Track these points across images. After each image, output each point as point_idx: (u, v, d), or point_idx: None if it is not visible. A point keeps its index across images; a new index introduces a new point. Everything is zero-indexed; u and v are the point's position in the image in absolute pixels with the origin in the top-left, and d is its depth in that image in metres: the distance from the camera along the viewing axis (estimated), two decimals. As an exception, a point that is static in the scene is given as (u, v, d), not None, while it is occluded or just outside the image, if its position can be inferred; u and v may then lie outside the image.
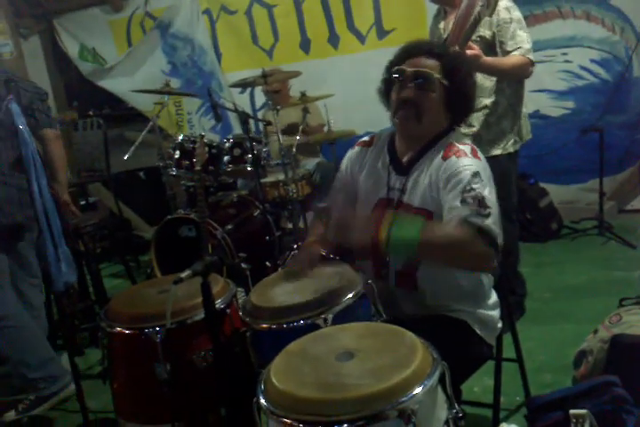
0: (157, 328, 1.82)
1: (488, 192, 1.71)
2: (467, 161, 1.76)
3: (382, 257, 1.88)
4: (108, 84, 5.92)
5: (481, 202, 1.67)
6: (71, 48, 5.98)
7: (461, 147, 1.81)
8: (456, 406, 1.40)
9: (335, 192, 2.08)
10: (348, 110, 4.58)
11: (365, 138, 2.07)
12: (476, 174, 1.72)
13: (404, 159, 1.91)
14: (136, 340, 1.88)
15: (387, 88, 1.94)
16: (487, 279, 1.96)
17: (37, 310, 3.01)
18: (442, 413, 1.37)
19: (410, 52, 1.88)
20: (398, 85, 1.86)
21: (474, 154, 1.80)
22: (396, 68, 1.87)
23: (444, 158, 1.80)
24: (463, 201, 1.68)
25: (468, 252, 1.64)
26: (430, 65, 1.83)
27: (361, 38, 4.95)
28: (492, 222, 1.66)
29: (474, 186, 1.69)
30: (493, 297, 1.99)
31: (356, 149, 2.06)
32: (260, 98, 5.31)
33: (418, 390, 1.27)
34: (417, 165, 1.87)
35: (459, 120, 1.92)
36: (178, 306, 1.83)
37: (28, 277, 2.95)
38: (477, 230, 1.63)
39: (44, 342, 2.90)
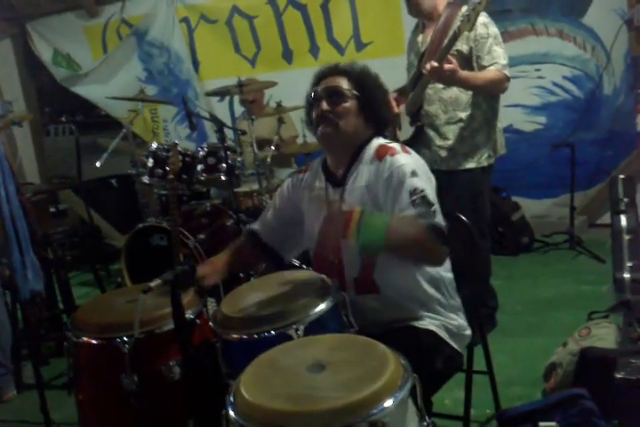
0: (125, 338, 1.79)
1: (429, 188, 1.81)
2: (402, 159, 1.86)
3: (337, 268, 1.92)
4: (82, 90, 5.87)
5: (427, 201, 1.78)
6: (44, 53, 5.92)
7: (391, 145, 1.93)
8: (427, 418, 1.40)
9: (266, 217, 2.17)
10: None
11: (301, 167, 2.20)
12: (413, 173, 1.81)
13: (339, 172, 1.99)
14: (103, 350, 1.85)
15: (309, 116, 2.06)
16: (447, 279, 1.97)
17: None
18: (412, 425, 1.36)
19: (320, 76, 2.04)
20: (315, 105, 1.99)
21: (403, 150, 1.91)
22: (311, 90, 2.02)
23: (379, 159, 1.89)
24: (413, 202, 1.78)
25: (424, 243, 1.73)
26: (339, 81, 1.98)
27: (340, 50, 5.00)
28: (440, 219, 1.78)
29: (416, 185, 1.79)
30: (457, 300, 2.01)
31: (293, 177, 2.16)
32: (240, 106, 5.30)
33: (389, 402, 1.26)
34: (350, 173, 1.96)
35: (380, 130, 2.03)
36: (147, 316, 1.80)
37: None
38: (430, 229, 1.73)
39: None
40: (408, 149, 1.93)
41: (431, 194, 1.80)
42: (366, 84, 1.98)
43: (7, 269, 2.87)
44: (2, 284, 2.99)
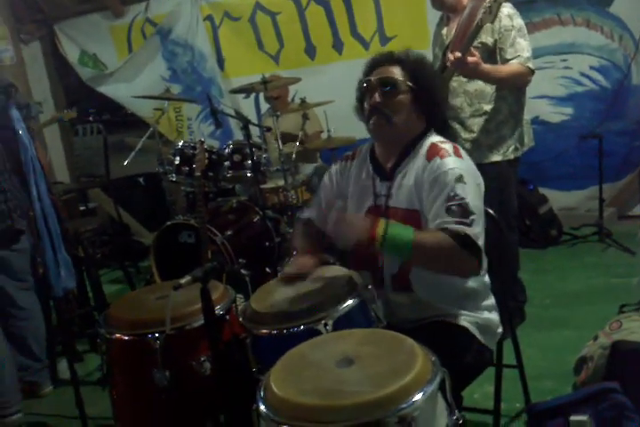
0: (156, 334, 1.81)
1: (472, 196, 1.74)
2: (451, 163, 1.79)
3: (377, 264, 1.90)
4: (108, 89, 5.94)
5: (464, 209, 1.71)
6: (71, 54, 6.01)
7: (444, 146, 1.85)
8: (456, 412, 1.40)
9: (317, 204, 2.12)
10: (350, 117, 4.59)
11: (348, 152, 2.12)
12: (459, 178, 1.75)
13: (387, 165, 1.95)
14: (135, 346, 1.88)
15: (361, 103, 1.99)
16: (483, 281, 1.96)
17: (27, 311, 3.00)
18: (442, 419, 1.36)
19: (374, 64, 1.96)
20: (367, 96, 1.93)
21: (456, 153, 1.83)
22: (364, 80, 1.95)
23: (428, 159, 1.83)
24: (448, 210, 1.72)
25: (452, 257, 1.69)
26: (394, 71, 1.90)
27: (365, 44, 4.98)
28: (475, 230, 1.70)
29: (457, 192, 1.73)
30: (491, 300, 1.99)
31: (339, 164, 2.11)
32: (265, 103, 5.33)
33: (418, 396, 1.27)
34: (400, 169, 1.91)
35: (434, 123, 1.96)
36: (177, 312, 1.82)
37: (13, 280, 2.93)
38: (461, 239, 1.67)
39: (10, 369, 2.83)
40: (461, 151, 1.86)
41: (473, 202, 1.72)
42: (422, 74, 1.90)
43: (41, 267, 2.93)
44: (36, 281, 3.05)
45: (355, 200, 2.01)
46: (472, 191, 1.75)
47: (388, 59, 1.94)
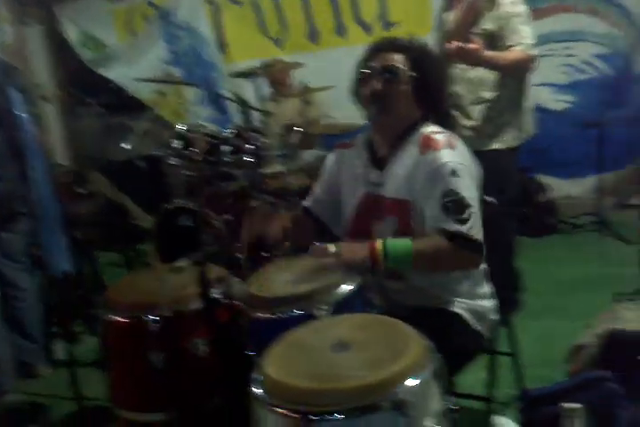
0: (154, 317, 1.82)
1: (466, 189, 1.75)
2: (444, 156, 1.79)
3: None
4: (108, 71, 5.90)
5: (461, 205, 1.73)
6: (72, 36, 5.96)
7: (437, 137, 1.85)
8: (450, 398, 1.41)
9: (316, 193, 2.15)
10: (352, 103, 4.57)
11: (345, 141, 2.12)
12: (453, 173, 1.75)
13: (381, 154, 1.95)
14: (132, 328, 1.88)
15: (358, 87, 1.97)
16: (479, 270, 1.95)
17: (23, 292, 3.01)
18: (436, 405, 1.37)
19: (376, 48, 1.94)
20: (368, 81, 1.90)
21: (450, 144, 1.83)
22: (365, 65, 1.92)
23: (422, 152, 1.83)
24: (444, 207, 1.73)
25: (451, 260, 1.75)
26: (396, 58, 1.88)
27: (367, 30, 4.94)
28: (473, 225, 1.73)
29: (452, 186, 1.74)
30: (486, 287, 2.00)
31: (337, 151, 2.11)
32: (267, 88, 5.29)
33: (412, 381, 1.28)
34: (393, 158, 1.91)
35: (431, 111, 1.95)
36: (174, 295, 1.83)
37: (11, 262, 2.94)
38: (458, 239, 1.71)
39: (4, 349, 2.85)
40: (455, 141, 1.85)
41: (468, 195, 1.74)
42: (424, 63, 1.88)
43: (38, 249, 2.94)
44: (33, 263, 3.06)
45: (349, 188, 2.02)
46: (466, 184, 1.76)
47: (392, 45, 1.91)
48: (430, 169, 1.78)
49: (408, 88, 1.87)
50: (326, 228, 2.15)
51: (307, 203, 2.18)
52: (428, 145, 1.83)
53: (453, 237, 1.71)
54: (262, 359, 1.44)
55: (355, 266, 1.76)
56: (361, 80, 1.94)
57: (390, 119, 1.89)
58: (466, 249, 1.72)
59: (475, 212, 1.74)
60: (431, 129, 1.90)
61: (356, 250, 1.77)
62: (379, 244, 1.75)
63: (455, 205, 1.72)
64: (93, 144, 5.02)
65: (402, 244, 1.76)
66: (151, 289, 1.96)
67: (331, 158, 2.12)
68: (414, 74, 1.86)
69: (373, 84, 1.87)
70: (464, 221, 1.71)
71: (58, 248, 2.60)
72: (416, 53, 1.89)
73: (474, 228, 1.73)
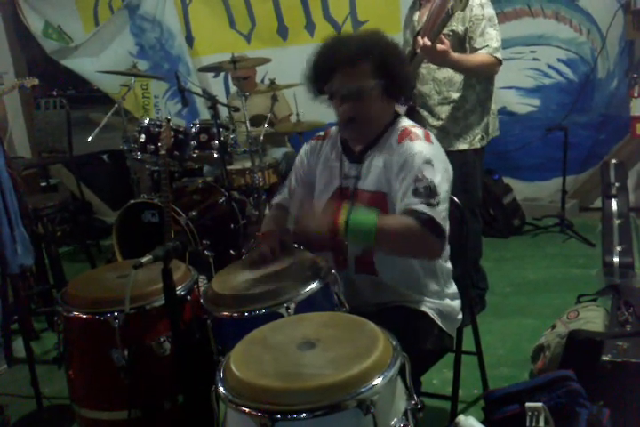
0: (116, 313, 1.79)
1: (439, 179, 1.75)
2: (420, 146, 1.80)
3: (340, 245, 1.90)
4: (72, 63, 5.78)
5: (431, 190, 1.72)
6: (35, 25, 5.80)
7: (415, 130, 1.86)
8: (415, 397, 1.40)
9: (290, 186, 2.12)
10: (319, 100, 4.56)
11: (320, 133, 2.10)
12: (427, 161, 1.75)
13: (357, 148, 1.94)
14: (93, 325, 1.85)
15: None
16: (445, 269, 1.97)
17: None
18: (401, 404, 1.37)
19: (335, 62, 1.81)
20: (335, 101, 1.87)
21: (427, 138, 1.84)
22: (328, 86, 1.85)
23: (399, 142, 1.84)
24: (415, 191, 1.72)
25: (416, 241, 1.70)
26: (359, 72, 1.80)
27: (337, 27, 4.93)
28: (441, 211, 1.71)
29: (425, 174, 1.73)
30: (453, 287, 2.01)
31: (312, 143, 2.09)
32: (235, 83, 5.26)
33: (377, 380, 1.27)
34: (370, 152, 1.91)
35: (404, 100, 1.99)
36: (137, 291, 1.80)
37: None
38: (426, 221, 1.68)
39: None
40: (432, 137, 1.86)
41: (440, 184, 1.73)
42: (390, 64, 1.82)
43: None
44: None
45: (322, 181, 2.00)
46: (440, 174, 1.76)
47: (354, 57, 1.79)
48: (406, 156, 1.79)
49: (378, 93, 1.84)
50: None
51: (278, 200, 2.16)
52: (405, 136, 1.84)
53: (422, 218, 1.68)
54: (227, 358, 1.42)
55: (311, 235, 1.70)
56: (329, 96, 1.89)
57: (367, 127, 1.89)
58: (433, 233, 1.69)
59: (444, 202, 1.73)
60: (410, 123, 1.91)
61: (317, 213, 1.71)
62: (342, 212, 1.67)
63: (426, 190, 1.71)
64: (56, 137, 4.90)
65: (366, 215, 1.69)
66: (113, 285, 1.93)
67: (305, 149, 2.09)
68: (381, 80, 1.82)
69: (344, 107, 1.84)
70: (434, 206, 1.70)
71: (17, 242, 2.52)
72: (380, 56, 1.81)
73: (442, 215, 1.72)
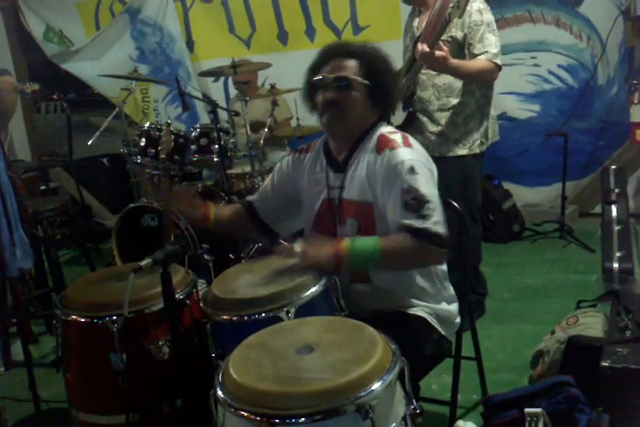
0: (114, 317, 1.78)
1: (425, 186, 1.76)
2: (401, 154, 1.80)
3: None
4: (72, 67, 5.79)
5: (420, 200, 1.73)
6: (36, 28, 5.82)
7: (392, 137, 1.86)
8: (414, 402, 1.40)
9: (263, 189, 2.17)
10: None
11: (302, 145, 2.13)
12: (411, 170, 1.76)
13: (340, 158, 1.96)
14: (92, 328, 1.84)
15: (310, 91, 1.98)
16: (440, 272, 1.97)
17: None
18: (400, 409, 1.37)
19: (329, 54, 1.92)
20: (321, 90, 1.91)
21: (405, 142, 1.85)
22: (317, 74, 1.91)
23: (379, 151, 1.85)
24: (405, 204, 1.74)
25: (419, 256, 1.76)
26: (349, 66, 1.87)
27: (337, 32, 4.94)
28: (435, 218, 1.73)
29: (411, 183, 1.75)
30: (450, 291, 2.01)
31: (292, 155, 2.11)
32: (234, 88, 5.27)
33: (376, 385, 1.27)
34: (352, 161, 1.92)
35: (386, 113, 1.98)
36: (136, 295, 1.80)
37: None
38: (423, 235, 1.71)
39: None
40: (410, 140, 1.87)
41: (427, 191, 1.75)
42: (377, 69, 1.88)
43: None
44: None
45: (309, 193, 2.02)
46: (425, 180, 1.77)
47: (344, 51, 1.90)
48: (388, 168, 1.79)
49: (362, 94, 1.87)
50: (263, 227, 2.16)
51: (252, 199, 2.18)
52: (384, 145, 1.84)
53: (417, 232, 1.71)
54: (225, 362, 1.41)
55: (320, 266, 1.75)
56: (313, 87, 1.94)
57: (345, 126, 1.90)
58: (431, 244, 1.72)
59: (436, 207, 1.74)
60: (387, 129, 1.92)
61: (321, 249, 1.76)
62: (345, 243, 1.74)
63: (416, 202, 1.73)
64: (56, 140, 4.91)
65: (369, 243, 1.75)
66: (112, 289, 1.93)
67: (287, 160, 2.12)
68: (367, 81, 1.86)
69: (328, 93, 1.87)
70: (426, 217, 1.71)
71: (16, 246, 2.51)
72: (369, 59, 1.88)
73: (437, 222, 1.73)
